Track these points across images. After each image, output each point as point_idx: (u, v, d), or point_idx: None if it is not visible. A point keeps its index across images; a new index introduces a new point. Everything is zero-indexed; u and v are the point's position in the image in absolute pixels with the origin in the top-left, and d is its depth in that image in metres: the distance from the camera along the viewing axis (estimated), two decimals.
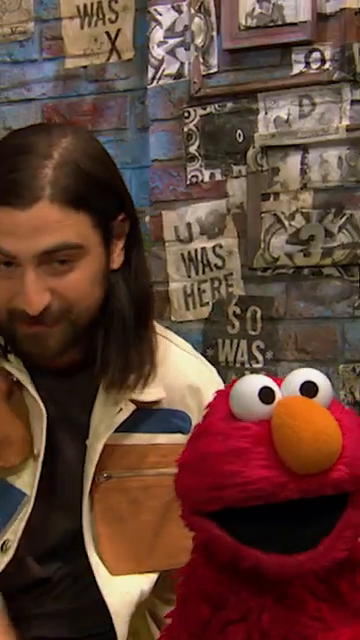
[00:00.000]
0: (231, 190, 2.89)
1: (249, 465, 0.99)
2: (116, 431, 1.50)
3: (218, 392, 1.10)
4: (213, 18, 2.89)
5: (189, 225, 2.94)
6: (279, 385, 1.04)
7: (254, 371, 2.83)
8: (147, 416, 1.53)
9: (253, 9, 2.81)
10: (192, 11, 2.91)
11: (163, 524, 1.52)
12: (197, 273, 2.94)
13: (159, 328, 1.60)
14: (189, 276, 2.95)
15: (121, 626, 1.49)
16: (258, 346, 2.85)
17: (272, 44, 2.80)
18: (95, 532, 1.51)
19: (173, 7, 2.96)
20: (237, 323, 2.88)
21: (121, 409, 1.50)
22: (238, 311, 2.89)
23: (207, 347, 2.87)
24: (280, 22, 2.78)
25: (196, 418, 1.51)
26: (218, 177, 2.91)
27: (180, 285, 2.95)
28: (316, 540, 1.01)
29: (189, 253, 2.95)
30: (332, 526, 1.02)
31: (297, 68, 2.79)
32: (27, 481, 1.51)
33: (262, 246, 2.82)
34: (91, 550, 1.50)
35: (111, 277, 1.49)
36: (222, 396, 1.08)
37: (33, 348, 1.46)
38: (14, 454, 1.51)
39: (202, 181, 2.93)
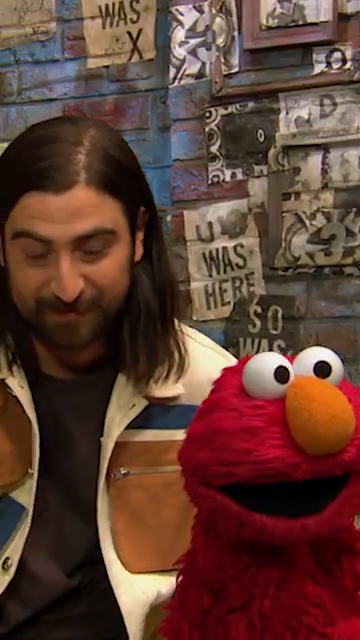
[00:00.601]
0: (252, 190, 2.90)
1: (264, 444, 1.00)
2: (134, 427, 1.50)
3: (226, 369, 1.11)
4: (234, 18, 2.90)
5: (210, 224, 2.95)
6: (291, 363, 1.05)
7: None
8: (166, 412, 1.53)
9: (274, 9, 2.81)
10: (213, 11, 2.92)
11: (185, 521, 1.50)
12: (218, 272, 2.95)
13: (181, 326, 1.59)
14: (210, 275, 2.96)
15: (133, 626, 1.48)
16: (279, 345, 2.86)
17: (293, 44, 2.81)
18: (113, 529, 1.50)
19: (195, 7, 2.97)
20: (258, 322, 2.89)
21: (134, 405, 1.50)
22: (259, 310, 2.90)
23: (228, 346, 2.88)
24: (301, 22, 2.78)
25: None
26: (239, 177, 2.92)
27: (201, 284, 2.97)
28: (321, 506, 1.03)
29: (210, 252, 2.96)
30: (336, 495, 1.03)
31: (318, 68, 2.80)
32: (25, 497, 1.50)
33: (283, 245, 2.83)
34: (106, 548, 1.49)
35: (134, 270, 1.49)
36: (231, 372, 1.09)
37: (64, 338, 1.45)
38: (8, 471, 1.50)
39: (223, 181, 2.94)
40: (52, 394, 1.53)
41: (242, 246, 2.91)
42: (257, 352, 2.87)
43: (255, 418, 1.02)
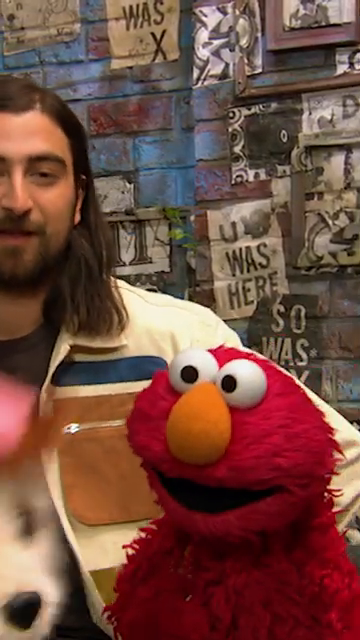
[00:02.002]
0: (275, 190, 2.91)
1: (147, 434, 1.07)
2: (84, 383, 1.53)
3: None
4: (258, 19, 2.91)
5: (234, 224, 2.97)
6: (221, 365, 1.06)
7: (298, 369, 2.85)
8: (115, 366, 1.55)
9: (297, 10, 2.83)
10: (237, 12, 2.93)
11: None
12: (242, 272, 2.97)
13: (125, 284, 1.64)
14: (234, 275, 2.97)
15: (92, 581, 1.48)
16: (302, 344, 2.87)
17: (316, 45, 2.82)
18: (63, 483, 1.50)
19: (218, 8, 2.98)
20: (281, 321, 2.91)
21: (68, 356, 1.52)
22: (282, 310, 2.91)
23: (251, 345, 2.88)
24: (324, 23, 2.79)
25: None
26: (263, 177, 2.93)
27: (225, 284, 2.98)
28: (216, 510, 1.05)
29: (234, 252, 2.98)
30: (238, 507, 1.05)
31: (341, 69, 2.81)
32: None
33: (306, 245, 2.84)
34: (56, 501, 1.48)
35: (73, 231, 1.57)
36: None
37: (7, 263, 1.50)
38: None
39: (247, 181, 2.95)
40: None
41: (265, 246, 2.93)
42: (280, 351, 2.90)
43: (154, 407, 1.08)
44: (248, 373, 1.05)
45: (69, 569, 1.47)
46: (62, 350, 1.51)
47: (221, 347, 1.14)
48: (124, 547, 1.24)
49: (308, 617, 1.09)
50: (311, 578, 1.10)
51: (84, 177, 1.59)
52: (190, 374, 1.06)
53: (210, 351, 1.09)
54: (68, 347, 1.51)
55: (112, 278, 1.61)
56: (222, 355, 1.09)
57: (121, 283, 1.62)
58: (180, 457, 1.02)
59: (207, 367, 1.06)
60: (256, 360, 1.09)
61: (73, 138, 1.55)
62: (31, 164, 1.49)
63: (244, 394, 1.04)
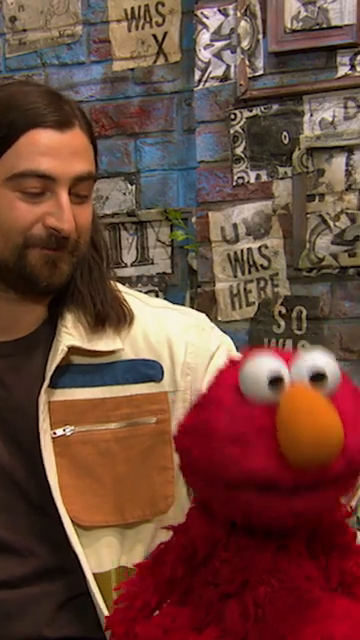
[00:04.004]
0: (277, 191, 2.92)
1: (250, 455, 1.01)
2: (80, 386, 1.53)
3: (230, 361, 1.12)
4: (259, 21, 2.92)
5: (235, 226, 2.97)
6: (289, 363, 1.05)
7: None
8: (111, 369, 1.55)
9: (299, 12, 2.83)
10: (238, 14, 2.94)
11: (141, 475, 1.52)
12: (243, 273, 2.97)
13: (122, 287, 1.65)
14: (235, 276, 2.98)
15: (95, 585, 1.48)
16: (303, 345, 2.87)
17: (317, 47, 2.83)
18: (60, 484, 1.50)
19: (220, 10, 2.99)
20: (283, 323, 2.91)
21: (65, 358, 1.52)
22: (284, 311, 2.91)
23: (253, 346, 2.89)
24: (325, 25, 2.80)
25: (168, 367, 1.56)
26: (264, 178, 2.93)
27: (226, 285, 2.99)
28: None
29: (235, 253, 2.98)
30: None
31: (342, 70, 2.82)
32: None
33: (307, 246, 2.85)
34: (57, 502, 1.49)
35: None
36: (233, 367, 1.10)
37: (45, 272, 1.50)
38: None
39: (248, 182, 2.96)
40: None
41: (267, 247, 2.93)
42: None
43: (243, 425, 1.03)
44: (330, 363, 1.06)
45: (73, 571, 1.49)
46: (60, 352, 1.51)
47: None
48: (134, 566, 1.23)
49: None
50: (341, 571, 1.12)
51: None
52: (277, 381, 1.03)
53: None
54: (65, 349, 1.51)
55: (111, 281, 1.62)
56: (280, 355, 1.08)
57: (119, 286, 1.63)
58: (305, 463, 1.00)
59: (286, 370, 1.04)
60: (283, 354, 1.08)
61: (95, 152, 1.55)
62: (74, 184, 1.48)
63: (332, 384, 1.05)
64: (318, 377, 1.04)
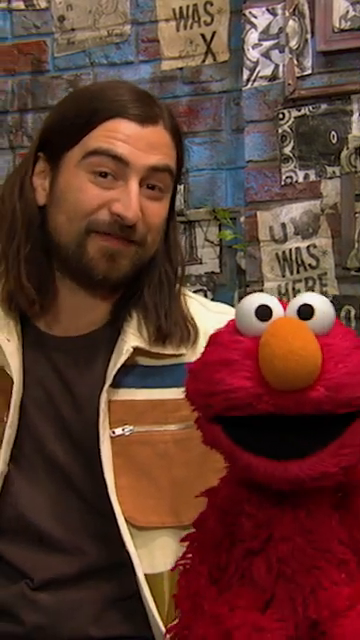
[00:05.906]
0: (325, 191, 2.91)
1: (233, 375, 1.07)
2: (141, 387, 1.55)
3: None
4: (307, 21, 2.91)
5: (283, 225, 2.98)
6: (286, 306, 1.10)
7: None
8: (172, 371, 1.57)
9: (347, 12, 2.83)
10: (287, 14, 2.93)
11: (198, 477, 1.50)
12: (291, 273, 2.97)
13: (186, 291, 1.67)
14: (283, 276, 2.98)
15: (147, 584, 1.50)
16: None
17: None
18: (117, 483, 1.52)
19: (268, 10, 2.99)
20: None
21: (127, 360, 1.54)
22: None
23: None
24: None
25: None
26: (312, 178, 2.94)
27: (275, 284, 2.99)
28: (308, 453, 1.07)
29: (284, 253, 2.98)
30: (327, 442, 1.08)
31: None
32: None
33: (356, 246, 2.85)
34: (113, 502, 1.51)
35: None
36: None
37: (103, 264, 1.52)
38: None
39: (296, 182, 2.96)
40: (52, 352, 1.58)
41: (315, 247, 2.93)
42: None
43: (232, 351, 1.09)
44: (322, 301, 1.10)
45: (123, 572, 1.51)
46: (125, 352, 1.52)
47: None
48: (180, 541, 1.26)
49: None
50: None
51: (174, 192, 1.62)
52: (265, 312, 1.08)
53: None
54: (131, 349, 1.53)
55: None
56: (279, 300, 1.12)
57: (183, 290, 1.65)
58: (280, 384, 1.04)
59: (277, 305, 1.09)
60: None
61: (180, 159, 1.58)
62: (147, 174, 1.51)
63: (322, 319, 1.09)
64: (307, 312, 1.08)
